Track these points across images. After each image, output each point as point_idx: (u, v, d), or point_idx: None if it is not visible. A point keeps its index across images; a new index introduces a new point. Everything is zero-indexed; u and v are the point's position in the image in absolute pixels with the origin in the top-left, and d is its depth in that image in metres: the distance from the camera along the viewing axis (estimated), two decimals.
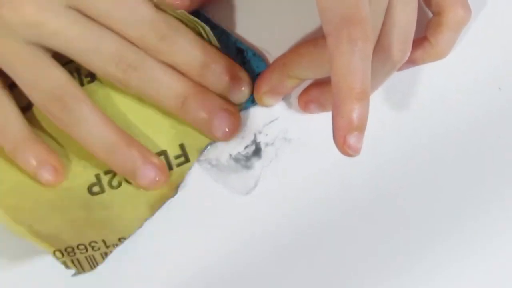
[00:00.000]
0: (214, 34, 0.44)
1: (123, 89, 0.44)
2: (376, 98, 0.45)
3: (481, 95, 0.46)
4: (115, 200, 0.44)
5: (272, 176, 0.45)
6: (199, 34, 0.44)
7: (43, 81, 0.42)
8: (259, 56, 0.45)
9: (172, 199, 0.44)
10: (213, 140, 0.45)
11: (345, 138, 0.36)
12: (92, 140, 0.43)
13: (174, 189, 0.44)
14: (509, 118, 0.46)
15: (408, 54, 0.41)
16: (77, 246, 0.42)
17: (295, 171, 0.45)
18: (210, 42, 0.44)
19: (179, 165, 0.44)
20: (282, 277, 0.44)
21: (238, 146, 0.45)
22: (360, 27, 0.36)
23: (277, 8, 0.46)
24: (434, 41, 0.43)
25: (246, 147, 0.45)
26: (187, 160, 0.45)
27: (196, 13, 0.45)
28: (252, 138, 0.45)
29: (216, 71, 0.44)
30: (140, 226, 0.43)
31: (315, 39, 0.42)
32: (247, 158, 0.45)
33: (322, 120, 0.43)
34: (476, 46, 0.46)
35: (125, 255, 0.44)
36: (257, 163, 0.45)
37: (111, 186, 0.44)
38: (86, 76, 0.45)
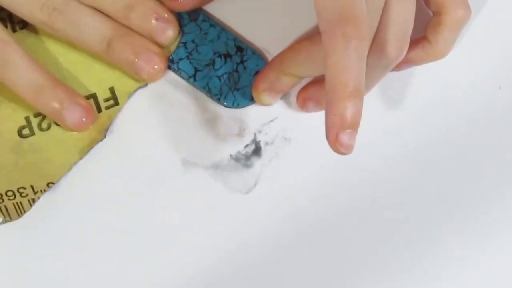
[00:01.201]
0: (213, 32, 0.44)
1: (51, 33, 0.44)
2: (376, 98, 0.45)
3: (481, 95, 0.46)
4: (45, 143, 0.44)
5: (272, 175, 0.45)
6: None
7: None
8: (259, 55, 0.45)
9: (174, 200, 0.44)
10: (142, 83, 0.45)
11: (337, 135, 0.36)
12: (19, 82, 0.43)
13: (102, 133, 0.45)
14: (509, 118, 0.46)
15: (405, 51, 0.40)
16: (6, 193, 0.43)
17: (294, 170, 0.45)
18: None
19: (108, 107, 0.45)
20: (282, 277, 0.44)
21: (238, 145, 0.45)
22: (355, 25, 0.36)
23: (276, 7, 0.46)
24: (433, 40, 0.43)
25: (246, 146, 0.45)
26: (116, 103, 0.45)
27: (195, 11, 0.45)
28: (252, 137, 0.45)
29: (140, 12, 0.44)
30: (69, 170, 0.44)
31: (312, 36, 0.42)
32: (247, 157, 0.45)
33: (322, 120, 0.43)
34: (476, 46, 0.46)
35: (125, 255, 0.44)
36: (257, 162, 0.45)
37: (41, 129, 0.44)
38: (18, 23, 0.45)
